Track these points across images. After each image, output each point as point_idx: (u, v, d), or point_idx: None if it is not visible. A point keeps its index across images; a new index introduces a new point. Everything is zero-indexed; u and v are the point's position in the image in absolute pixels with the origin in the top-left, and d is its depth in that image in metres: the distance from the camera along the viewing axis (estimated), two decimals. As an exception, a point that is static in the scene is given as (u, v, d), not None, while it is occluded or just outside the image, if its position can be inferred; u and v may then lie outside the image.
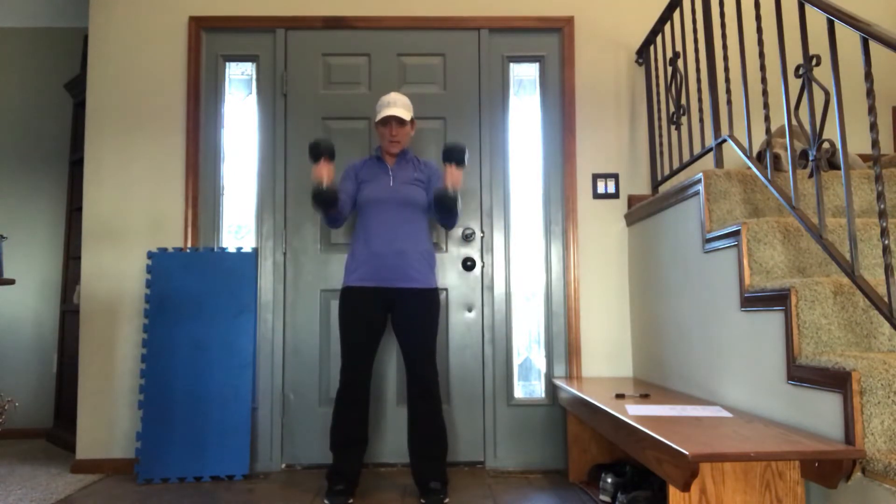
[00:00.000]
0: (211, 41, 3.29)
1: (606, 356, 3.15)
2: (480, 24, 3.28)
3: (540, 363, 3.21)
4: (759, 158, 2.58)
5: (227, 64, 3.31)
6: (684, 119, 3.20)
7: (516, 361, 3.21)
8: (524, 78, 3.34)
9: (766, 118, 2.16)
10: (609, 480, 2.49)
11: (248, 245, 3.21)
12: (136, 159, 3.19)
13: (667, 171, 3.03)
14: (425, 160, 2.81)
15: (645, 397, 2.39)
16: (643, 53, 3.22)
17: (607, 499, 2.49)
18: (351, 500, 2.58)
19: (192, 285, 3.04)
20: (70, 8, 4.01)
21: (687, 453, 1.51)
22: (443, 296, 3.18)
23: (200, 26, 3.25)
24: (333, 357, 3.15)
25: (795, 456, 1.53)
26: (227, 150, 3.29)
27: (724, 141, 2.48)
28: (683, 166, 2.77)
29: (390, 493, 2.72)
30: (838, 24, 2.21)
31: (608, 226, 3.21)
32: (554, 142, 3.26)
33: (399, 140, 2.68)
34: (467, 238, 3.21)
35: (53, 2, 3.95)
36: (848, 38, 3.11)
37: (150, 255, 3.06)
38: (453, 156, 2.50)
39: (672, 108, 3.03)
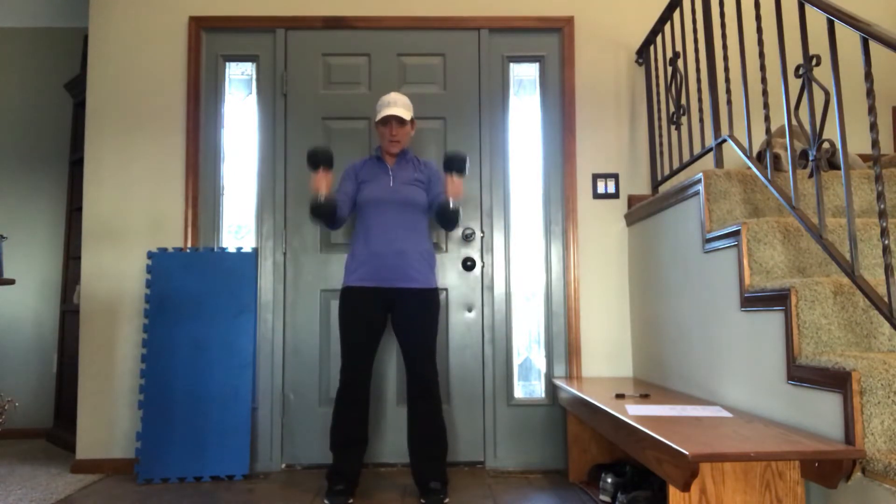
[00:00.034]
0: (211, 41, 3.29)
1: (606, 356, 3.15)
2: (480, 24, 3.28)
3: (540, 363, 3.21)
4: (759, 158, 2.58)
5: (227, 64, 3.31)
6: (684, 119, 3.20)
7: (516, 361, 3.21)
8: (524, 78, 3.34)
9: (766, 118, 2.16)
10: (609, 480, 2.49)
11: (248, 245, 3.21)
12: (136, 159, 3.19)
13: (667, 171, 3.03)
14: (425, 160, 2.81)
15: (645, 397, 2.39)
16: (643, 53, 3.22)
17: (607, 499, 2.49)
18: (351, 500, 2.58)
19: (192, 285, 3.04)
20: (70, 8, 4.01)
21: (687, 453, 1.51)
22: (443, 296, 3.18)
23: (200, 26, 3.25)
24: (333, 357, 3.15)
25: (795, 456, 1.53)
26: (227, 150, 3.29)
27: (724, 141, 2.48)
28: (683, 166, 2.77)
29: (390, 493, 2.72)
30: (838, 24, 2.21)
31: (608, 226, 3.21)
32: (554, 142, 3.26)
33: (399, 140, 2.69)
34: (467, 238, 3.21)
35: (53, 2, 3.95)
36: (848, 38, 3.11)
37: (150, 255, 3.06)
38: (454, 165, 2.51)
39: (672, 108, 3.03)
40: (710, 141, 2.97)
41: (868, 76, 1.64)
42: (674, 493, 1.65)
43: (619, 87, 3.27)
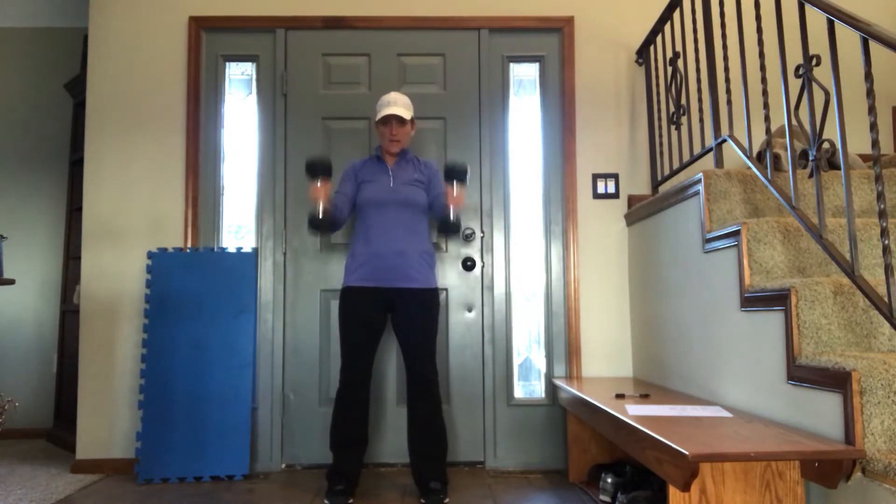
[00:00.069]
0: (211, 41, 3.29)
1: (606, 356, 3.15)
2: (480, 24, 3.28)
3: (540, 363, 3.21)
4: (759, 158, 2.58)
5: (227, 64, 3.31)
6: (684, 119, 3.20)
7: (516, 361, 3.21)
8: (524, 78, 3.34)
9: (766, 118, 2.16)
10: (609, 480, 2.49)
11: (248, 245, 3.21)
12: (136, 159, 3.19)
13: (667, 171, 3.03)
14: (425, 160, 2.81)
15: (645, 397, 2.39)
16: (643, 53, 3.22)
17: (607, 499, 2.49)
18: (351, 500, 2.57)
19: (192, 285, 3.04)
20: (70, 8, 4.01)
21: (687, 453, 1.51)
22: (443, 296, 3.18)
23: (200, 26, 3.25)
24: (333, 357, 3.15)
25: (795, 456, 1.53)
26: (227, 150, 3.29)
27: (724, 141, 2.48)
28: (683, 166, 2.77)
29: (390, 493, 2.72)
30: (838, 24, 2.20)
31: (608, 226, 3.21)
32: (554, 142, 3.26)
33: (399, 139, 2.68)
34: (467, 238, 3.21)
35: (53, 2, 3.95)
36: (848, 38, 3.11)
37: (150, 255, 3.06)
38: (455, 174, 2.52)
39: (672, 108, 3.03)
40: (709, 141, 2.97)
41: (868, 76, 1.64)
42: (674, 493, 1.65)
43: (619, 87, 3.28)
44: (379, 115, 2.66)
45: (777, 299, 1.89)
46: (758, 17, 2.19)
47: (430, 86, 3.29)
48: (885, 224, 1.61)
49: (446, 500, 2.55)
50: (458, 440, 3.12)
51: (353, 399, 2.60)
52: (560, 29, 3.29)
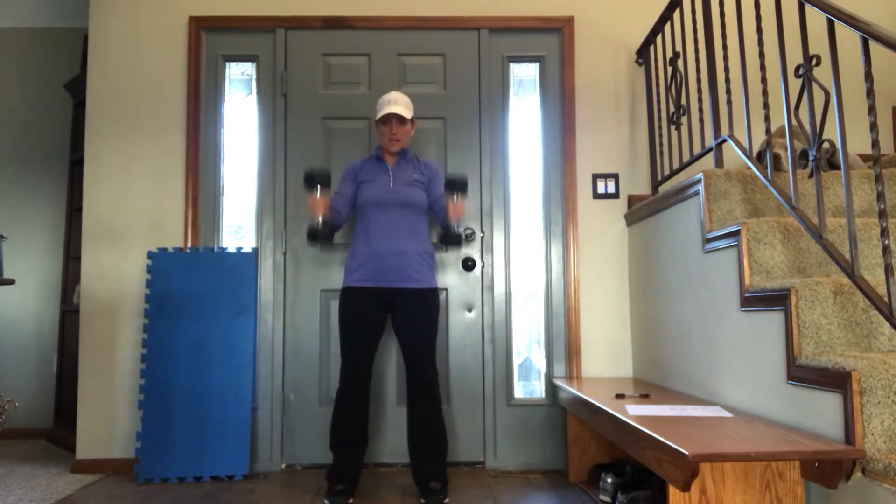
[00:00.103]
0: (211, 41, 3.29)
1: (606, 356, 3.15)
2: (480, 24, 3.28)
3: (540, 363, 3.21)
4: (759, 158, 2.58)
5: (227, 64, 3.31)
6: (684, 119, 3.20)
7: (516, 361, 3.21)
8: (524, 78, 3.34)
9: (766, 118, 2.16)
10: (609, 480, 2.49)
11: (248, 245, 3.21)
12: (136, 159, 3.19)
13: (667, 171, 3.03)
14: (425, 160, 2.81)
15: (645, 397, 2.39)
16: (643, 53, 3.22)
17: (607, 499, 2.49)
18: (351, 500, 2.58)
19: (192, 285, 3.04)
20: (70, 8, 4.01)
21: (687, 453, 1.51)
22: (443, 296, 3.18)
23: (200, 26, 3.25)
24: (333, 357, 3.15)
25: (795, 456, 1.53)
26: (227, 150, 3.29)
27: (724, 141, 2.48)
28: (683, 166, 2.77)
29: (390, 493, 2.72)
30: (838, 24, 2.21)
31: (608, 226, 3.21)
32: (554, 142, 3.26)
33: (399, 139, 2.68)
34: (467, 238, 3.21)
35: (53, 2, 3.95)
36: (848, 38, 3.11)
37: (150, 255, 3.06)
38: (456, 186, 2.53)
39: (672, 108, 3.03)
40: (709, 141, 2.97)
41: (868, 76, 1.64)
42: (674, 493, 1.65)
43: (619, 87, 3.28)
44: (379, 115, 2.66)
45: (777, 299, 1.89)
46: (758, 17, 2.19)
47: (430, 86, 3.29)
48: (885, 224, 1.61)
49: (446, 500, 2.55)
50: (458, 440, 3.12)
51: (353, 399, 2.60)
52: (560, 29, 3.29)
